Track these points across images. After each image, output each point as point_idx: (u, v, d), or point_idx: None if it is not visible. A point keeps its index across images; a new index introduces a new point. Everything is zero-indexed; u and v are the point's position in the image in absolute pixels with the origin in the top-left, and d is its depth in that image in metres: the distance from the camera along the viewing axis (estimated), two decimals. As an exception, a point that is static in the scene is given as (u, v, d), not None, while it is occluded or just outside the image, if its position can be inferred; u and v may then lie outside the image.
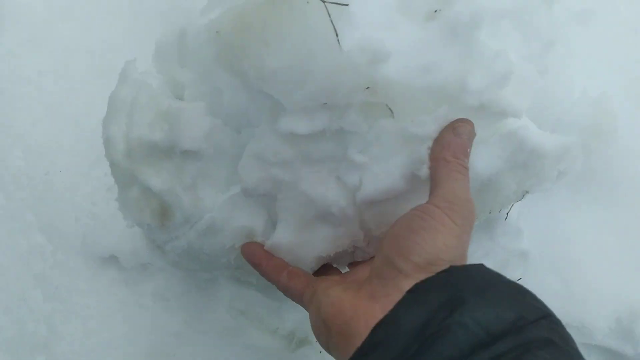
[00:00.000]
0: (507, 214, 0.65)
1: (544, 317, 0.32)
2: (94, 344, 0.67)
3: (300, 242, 0.45)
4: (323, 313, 0.38)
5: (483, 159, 0.45)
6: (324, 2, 0.37)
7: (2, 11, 0.75)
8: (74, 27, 0.76)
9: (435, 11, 0.40)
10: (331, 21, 0.36)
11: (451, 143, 0.39)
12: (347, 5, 0.37)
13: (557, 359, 0.29)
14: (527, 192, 0.52)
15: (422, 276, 0.34)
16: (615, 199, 0.70)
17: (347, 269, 0.49)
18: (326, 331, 0.37)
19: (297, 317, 0.69)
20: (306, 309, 0.42)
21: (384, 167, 0.42)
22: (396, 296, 0.34)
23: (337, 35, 0.37)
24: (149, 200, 0.48)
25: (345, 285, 0.39)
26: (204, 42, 0.44)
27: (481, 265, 0.36)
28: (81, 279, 0.69)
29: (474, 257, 0.66)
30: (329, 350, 0.38)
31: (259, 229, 0.48)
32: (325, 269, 0.48)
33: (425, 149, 0.41)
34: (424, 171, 0.40)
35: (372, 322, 0.33)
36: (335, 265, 0.49)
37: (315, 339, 0.41)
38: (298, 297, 0.43)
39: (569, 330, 0.33)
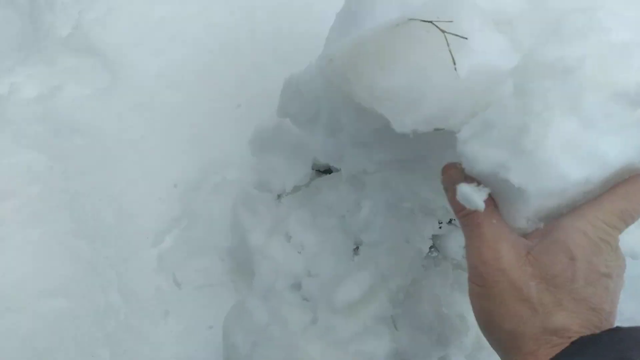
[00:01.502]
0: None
1: None
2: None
3: None
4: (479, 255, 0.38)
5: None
6: (444, 32, 0.37)
7: (118, 74, 0.80)
8: (179, 97, 0.80)
9: None
10: (450, 50, 0.37)
11: None
12: (466, 38, 0.38)
13: None
14: None
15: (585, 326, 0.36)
16: None
17: None
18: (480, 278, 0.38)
19: None
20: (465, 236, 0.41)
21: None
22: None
23: (454, 63, 0.37)
24: None
25: (512, 242, 0.38)
26: (315, 74, 0.48)
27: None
28: (148, 345, 0.70)
29: None
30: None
31: None
32: None
33: None
34: None
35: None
36: None
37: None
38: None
39: None
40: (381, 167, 0.53)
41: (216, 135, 0.78)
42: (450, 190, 0.40)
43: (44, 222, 0.74)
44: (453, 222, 0.65)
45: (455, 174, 0.40)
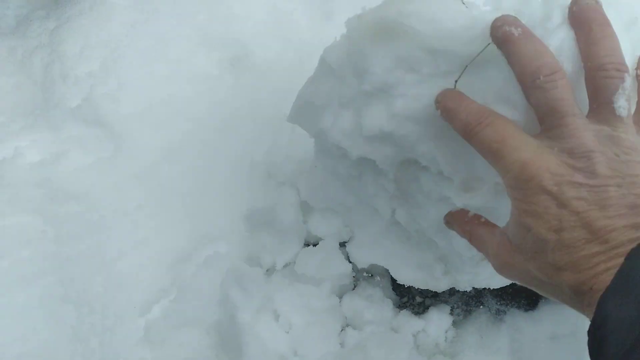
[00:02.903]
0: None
1: None
2: None
3: None
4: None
5: None
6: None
7: (121, 145, 0.83)
8: (178, 170, 0.83)
9: None
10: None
11: None
12: None
13: None
14: None
15: None
16: None
17: None
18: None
19: None
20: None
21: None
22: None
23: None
24: None
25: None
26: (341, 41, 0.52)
27: None
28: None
29: None
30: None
31: None
32: None
33: None
34: None
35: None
36: None
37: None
38: None
39: None
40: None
41: (211, 209, 0.80)
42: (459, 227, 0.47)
43: (32, 285, 0.74)
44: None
45: (452, 217, 0.48)
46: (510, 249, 0.38)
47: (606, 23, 0.38)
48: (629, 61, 0.39)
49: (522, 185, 0.36)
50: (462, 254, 0.55)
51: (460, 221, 0.47)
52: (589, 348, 0.31)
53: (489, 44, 0.41)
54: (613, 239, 0.33)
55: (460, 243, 0.54)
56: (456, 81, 0.43)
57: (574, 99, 0.37)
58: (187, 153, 0.84)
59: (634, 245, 0.32)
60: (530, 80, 0.37)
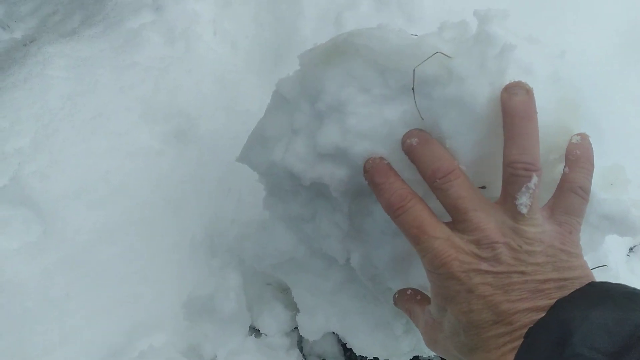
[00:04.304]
0: None
1: None
2: None
3: None
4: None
5: None
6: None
7: (50, 227, 0.77)
8: (113, 252, 0.77)
9: None
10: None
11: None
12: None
13: None
14: None
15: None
16: None
17: None
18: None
19: None
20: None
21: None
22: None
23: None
24: None
25: None
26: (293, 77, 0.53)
27: (588, 286, 0.36)
28: None
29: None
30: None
31: None
32: None
33: None
34: None
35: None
36: None
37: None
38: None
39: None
40: None
41: (148, 295, 0.74)
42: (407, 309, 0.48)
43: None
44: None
45: (397, 295, 0.50)
46: (434, 326, 0.42)
47: (528, 117, 0.40)
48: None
49: (436, 270, 0.39)
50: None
51: (402, 299, 0.49)
52: None
53: (435, 52, 0.43)
54: (516, 320, 0.36)
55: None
56: (413, 89, 0.45)
57: (474, 193, 0.41)
58: (124, 234, 0.78)
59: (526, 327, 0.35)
60: (431, 182, 0.41)
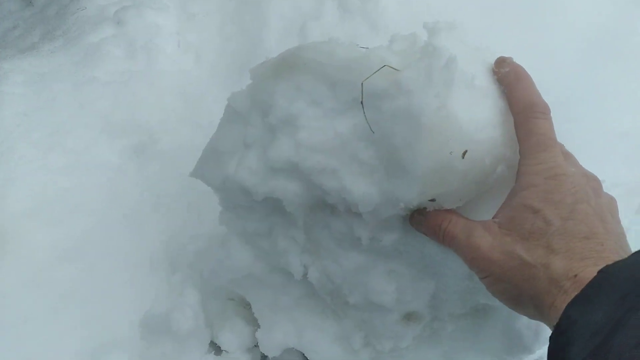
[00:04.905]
0: None
1: None
2: None
3: None
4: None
5: None
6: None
7: (6, 248, 0.75)
8: (73, 272, 0.75)
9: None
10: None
11: None
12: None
13: None
14: None
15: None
16: None
17: None
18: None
19: None
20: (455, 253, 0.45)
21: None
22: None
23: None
24: None
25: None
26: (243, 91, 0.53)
27: None
28: None
29: None
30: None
31: None
32: None
33: None
34: None
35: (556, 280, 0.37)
36: None
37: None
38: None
39: None
40: None
41: (108, 315, 0.72)
42: (423, 226, 0.46)
43: None
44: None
45: (419, 215, 0.47)
46: (497, 232, 0.41)
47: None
48: None
49: (549, 175, 0.41)
50: (383, 304, 0.53)
51: (430, 216, 0.46)
52: (549, 353, 0.34)
53: (383, 65, 0.44)
54: (608, 245, 0.37)
55: (376, 290, 0.53)
56: (362, 102, 0.45)
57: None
58: (83, 252, 0.76)
59: (617, 258, 0.36)
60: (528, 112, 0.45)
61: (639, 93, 0.94)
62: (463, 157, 0.42)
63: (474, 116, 0.43)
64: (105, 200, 0.80)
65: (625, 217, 0.74)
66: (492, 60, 0.49)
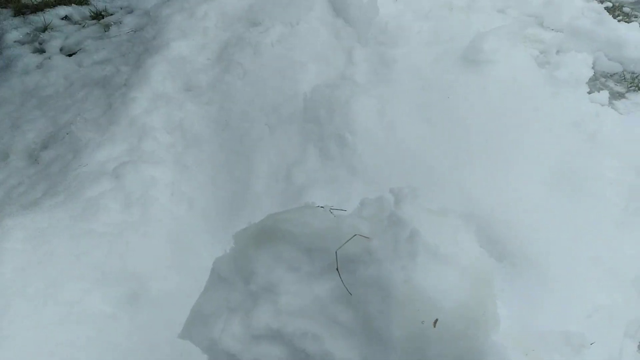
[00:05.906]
0: None
1: None
2: None
3: None
4: None
5: None
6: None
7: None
8: None
9: None
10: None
11: None
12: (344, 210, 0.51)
13: None
14: None
15: None
16: None
17: None
18: None
19: None
20: None
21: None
22: None
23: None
24: None
25: None
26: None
27: None
28: None
29: None
30: None
31: None
32: None
33: None
34: None
35: None
36: None
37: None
38: None
39: None
40: None
41: None
42: None
43: None
44: None
45: None
46: None
47: None
48: None
49: None
50: None
51: None
52: None
53: (354, 235, 0.49)
54: None
55: None
56: (337, 269, 0.49)
57: None
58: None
59: None
60: None
61: (605, 218, 0.99)
62: (434, 326, 0.45)
63: (441, 285, 0.47)
64: (95, 353, 0.80)
65: (615, 341, 0.73)
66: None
